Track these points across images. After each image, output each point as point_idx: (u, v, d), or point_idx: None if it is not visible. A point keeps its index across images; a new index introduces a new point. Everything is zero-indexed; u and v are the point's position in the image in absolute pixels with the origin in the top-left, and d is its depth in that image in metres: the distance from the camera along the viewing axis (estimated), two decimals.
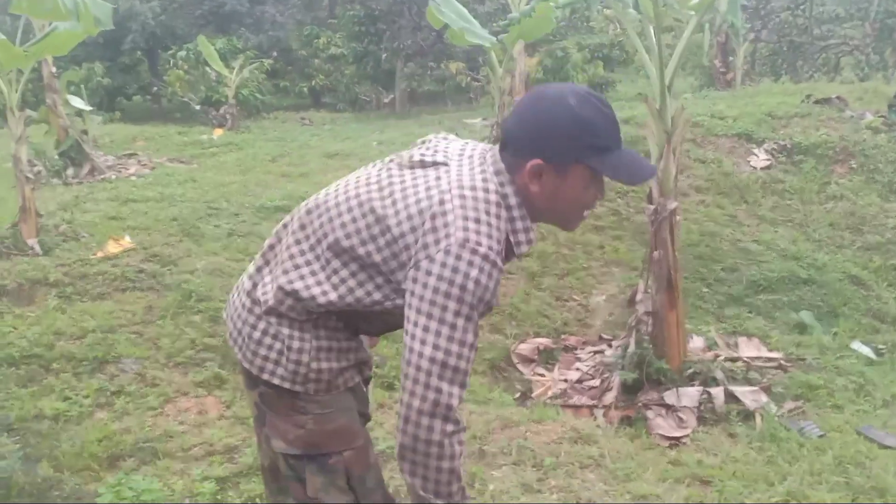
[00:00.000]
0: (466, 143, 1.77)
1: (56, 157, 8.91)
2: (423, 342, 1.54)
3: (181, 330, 4.39)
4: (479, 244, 1.52)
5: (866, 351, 4.83)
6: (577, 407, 4.16)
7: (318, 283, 1.68)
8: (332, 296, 1.67)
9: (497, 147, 1.66)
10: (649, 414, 3.97)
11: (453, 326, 1.53)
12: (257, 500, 2.86)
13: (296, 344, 1.71)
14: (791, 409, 4.05)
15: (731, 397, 4.05)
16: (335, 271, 1.67)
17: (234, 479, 3.08)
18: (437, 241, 1.54)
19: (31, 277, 4.82)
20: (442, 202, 1.57)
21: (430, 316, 1.53)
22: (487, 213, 1.56)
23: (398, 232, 1.59)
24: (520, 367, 4.65)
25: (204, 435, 3.45)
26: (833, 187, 7.33)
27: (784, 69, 16.49)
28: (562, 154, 1.58)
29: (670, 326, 4.18)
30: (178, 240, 5.81)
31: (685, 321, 4.35)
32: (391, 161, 1.74)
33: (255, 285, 1.79)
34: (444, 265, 1.52)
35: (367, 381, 1.95)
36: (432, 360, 1.53)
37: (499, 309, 5.02)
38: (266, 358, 1.74)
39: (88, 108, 9.44)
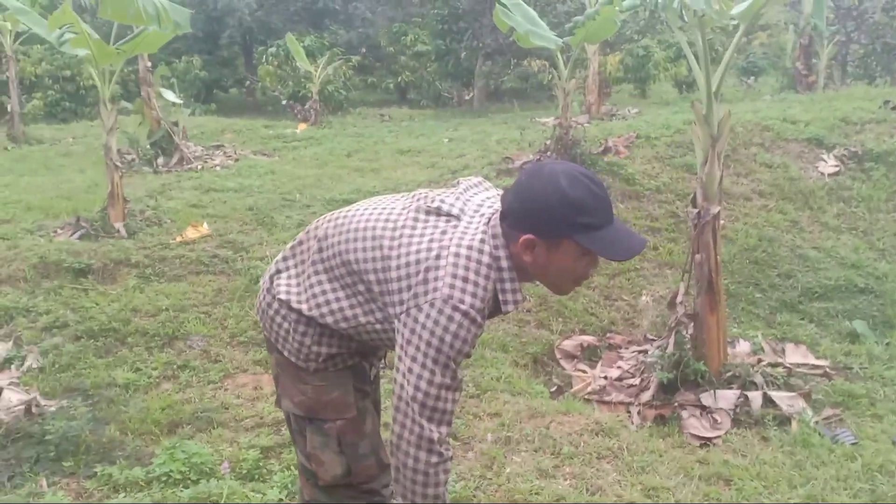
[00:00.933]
0: (489, 196, 1.93)
1: (148, 146, 9.49)
2: (407, 382, 1.75)
3: (246, 312, 4.71)
4: (461, 301, 1.71)
5: None
6: (613, 404, 4.26)
7: (328, 303, 1.90)
8: (347, 313, 1.88)
9: (499, 213, 1.81)
10: (684, 414, 4.03)
11: (433, 372, 1.73)
12: (292, 467, 3.10)
13: (301, 328, 1.96)
14: (828, 416, 4.02)
15: (768, 402, 4.06)
16: (349, 285, 1.89)
17: (277, 449, 3.33)
18: (425, 293, 1.73)
19: (114, 258, 5.23)
20: (438, 257, 1.75)
21: (413, 359, 1.74)
22: (477, 273, 1.74)
23: (395, 275, 1.80)
24: (562, 362, 4.73)
25: (256, 408, 3.73)
26: None
27: (878, 72, 15.83)
28: (552, 231, 1.72)
29: (710, 329, 4.23)
30: (252, 228, 6.18)
31: (725, 325, 4.38)
32: (417, 200, 1.91)
33: (278, 272, 2.05)
34: (428, 316, 1.72)
35: (372, 366, 2.16)
36: (413, 398, 1.74)
37: (546, 305, 5.14)
38: (277, 333, 2.01)
39: (179, 101, 9.98)
